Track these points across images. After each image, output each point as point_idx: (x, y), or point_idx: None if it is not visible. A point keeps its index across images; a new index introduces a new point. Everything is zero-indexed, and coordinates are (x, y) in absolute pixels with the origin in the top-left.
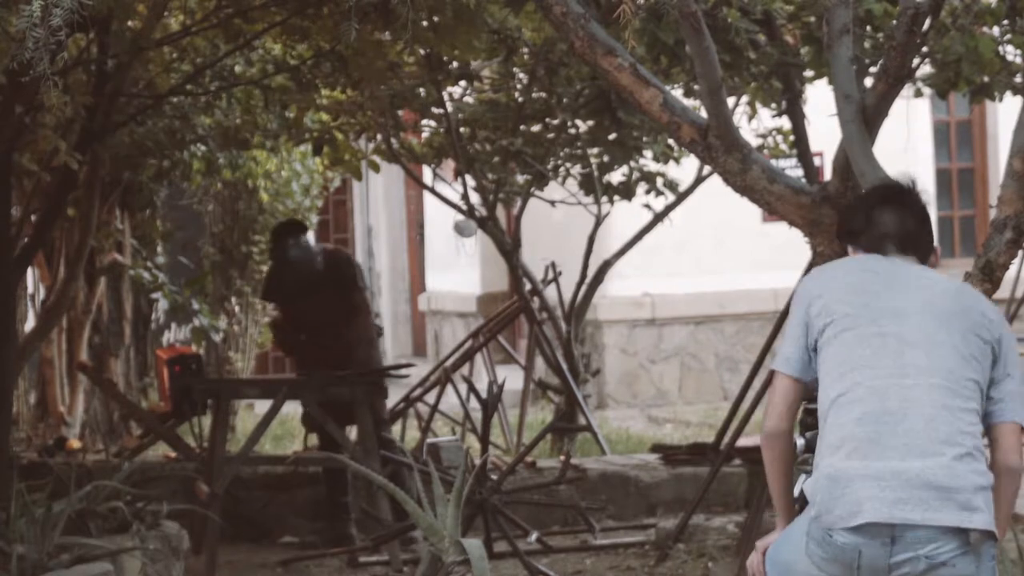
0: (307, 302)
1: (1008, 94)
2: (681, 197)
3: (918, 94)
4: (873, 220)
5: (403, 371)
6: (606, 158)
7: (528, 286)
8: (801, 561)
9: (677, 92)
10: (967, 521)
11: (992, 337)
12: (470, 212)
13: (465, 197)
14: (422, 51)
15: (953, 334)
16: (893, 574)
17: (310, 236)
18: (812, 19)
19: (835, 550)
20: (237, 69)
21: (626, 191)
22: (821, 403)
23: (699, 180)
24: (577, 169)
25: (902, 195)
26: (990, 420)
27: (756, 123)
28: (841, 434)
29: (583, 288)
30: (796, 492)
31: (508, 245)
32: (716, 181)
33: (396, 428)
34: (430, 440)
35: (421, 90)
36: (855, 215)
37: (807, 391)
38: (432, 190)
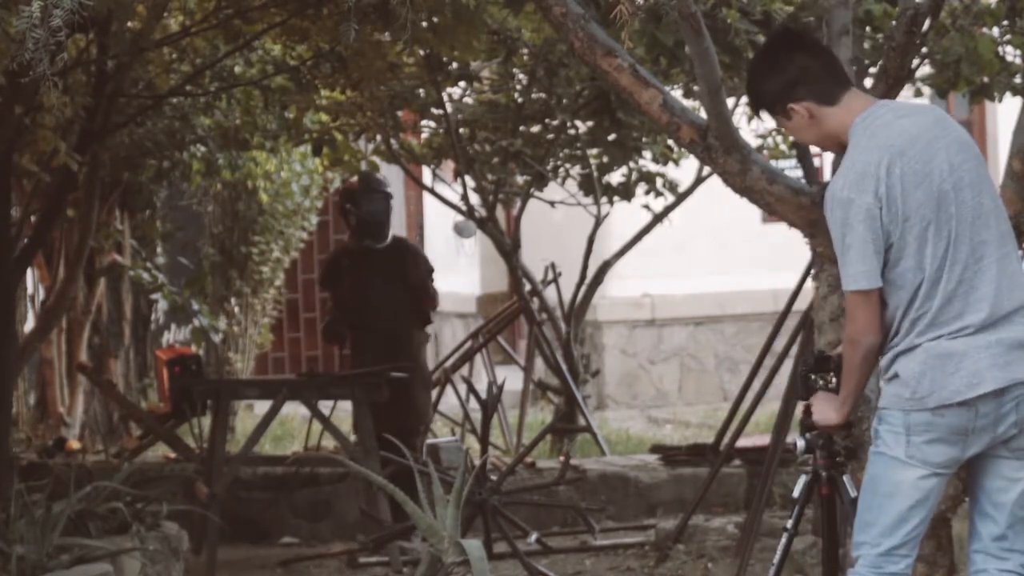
0: (365, 283)
1: (1008, 94)
2: (681, 198)
3: (918, 94)
4: (808, 69)
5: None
6: (605, 159)
7: (528, 287)
8: (904, 472)
9: (677, 93)
10: None
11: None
12: (470, 213)
13: (465, 198)
14: (422, 52)
15: (986, 186)
16: (1002, 423)
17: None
18: (812, 20)
19: (952, 420)
20: (237, 70)
21: (625, 192)
22: (905, 292)
23: (699, 181)
24: (577, 170)
25: (801, 39)
26: None
27: (756, 124)
28: (932, 318)
29: (583, 289)
30: (796, 493)
31: (508, 246)
32: (716, 182)
33: None
34: (430, 441)
35: (421, 91)
36: (778, 73)
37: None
38: (432, 191)
